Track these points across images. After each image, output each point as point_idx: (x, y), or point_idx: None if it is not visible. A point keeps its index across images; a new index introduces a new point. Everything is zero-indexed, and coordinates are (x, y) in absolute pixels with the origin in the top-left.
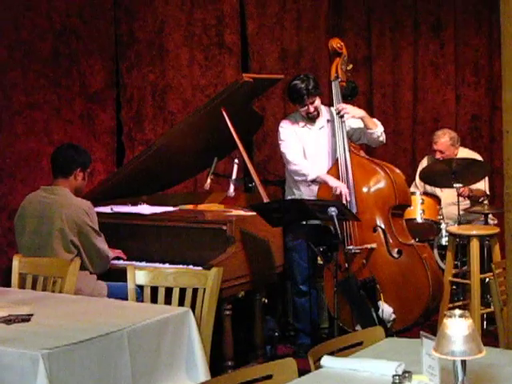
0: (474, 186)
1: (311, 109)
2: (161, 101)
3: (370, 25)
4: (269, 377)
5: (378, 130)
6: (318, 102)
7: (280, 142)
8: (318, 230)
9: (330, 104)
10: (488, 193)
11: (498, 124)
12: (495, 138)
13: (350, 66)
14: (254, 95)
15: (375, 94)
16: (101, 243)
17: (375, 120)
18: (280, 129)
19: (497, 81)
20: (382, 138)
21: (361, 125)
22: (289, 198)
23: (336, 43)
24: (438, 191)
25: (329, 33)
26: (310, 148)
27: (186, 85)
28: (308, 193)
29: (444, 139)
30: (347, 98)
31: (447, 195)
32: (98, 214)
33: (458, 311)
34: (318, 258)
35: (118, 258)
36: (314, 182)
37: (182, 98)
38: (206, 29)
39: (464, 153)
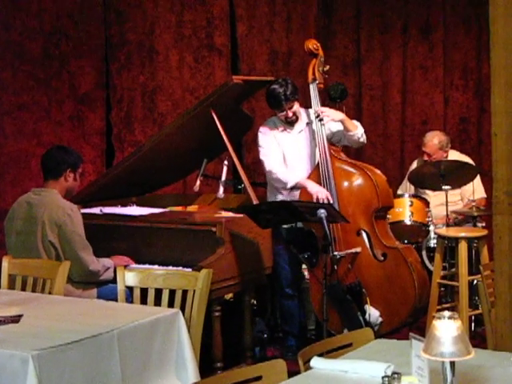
0: (477, 196)
1: (289, 114)
2: (150, 102)
3: (359, 27)
4: (258, 378)
5: (357, 131)
6: (296, 106)
7: (259, 148)
8: (300, 233)
9: (307, 106)
10: (485, 195)
11: (487, 127)
12: (483, 141)
13: (327, 67)
14: (244, 97)
15: (364, 96)
16: (85, 255)
17: (354, 121)
18: (259, 134)
19: (485, 83)
20: (363, 138)
21: (340, 127)
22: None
23: (312, 44)
24: (429, 192)
25: (318, 35)
26: (289, 152)
27: (175, 86)
28: (290, 198)
29: (432, 142)
30: (336, 100)
31: (438, 196)
32: (88, 215)
33: (447, 313)
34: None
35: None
36: (293, 188)
37: (172, 99)
38: (195, 30)
39: (454, 156)
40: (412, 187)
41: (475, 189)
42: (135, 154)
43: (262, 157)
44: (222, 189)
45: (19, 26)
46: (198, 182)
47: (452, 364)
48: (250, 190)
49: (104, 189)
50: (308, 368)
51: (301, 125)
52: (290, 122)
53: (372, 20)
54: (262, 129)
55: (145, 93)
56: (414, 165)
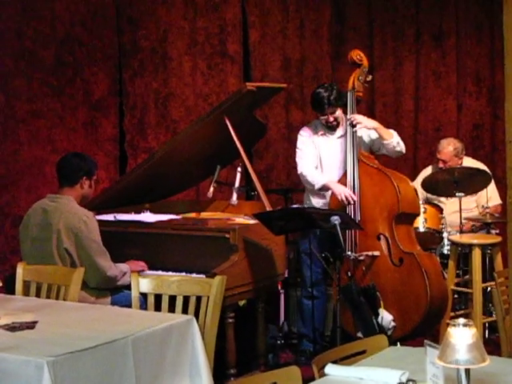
0: (491, 203)
1: (330, 119)
2: (163, 109)
3: (372, 34)
4: None
5: (393, 140)
6: (338, 112)
7: (297, 149)
8: (329, 236)
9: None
10: (501, 202)
11: (500, 133)
12: (497, 148)
13: (370, 77)
14: (258, 104)
15: (377, 102)
16: (102, 261)
17: (391, 130)
18: (299, 136)
19: (498, 90)
20: (399, 148)
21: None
22: (298, 206)
23: (356, 55)
24: (443, 199)
25: (331, 42)
26: (326, 157)
27: (188, 93)
28: (322, 200)
29: (447, 149)
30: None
31: (454, 203)
32: (101, 222)
33: (461, 320)
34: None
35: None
36: (322, 190)
37: (185, 106)
38: (208, 37)
39: (469, 162)
40: (425, 193)
41: (491, 195)
42: (148, 161)
43: (297, 158)
44: (235, 195)
45: (32, 34)
46: (212, 189)
47: (467, 371)
48: (264, 197)
49: (117, 196)
50: (322, 375)
51: (341, 131)
52: (331, 127)
53: (385, 27)
54: (302, 131)
55: (158, 99)
56: (429, 171)
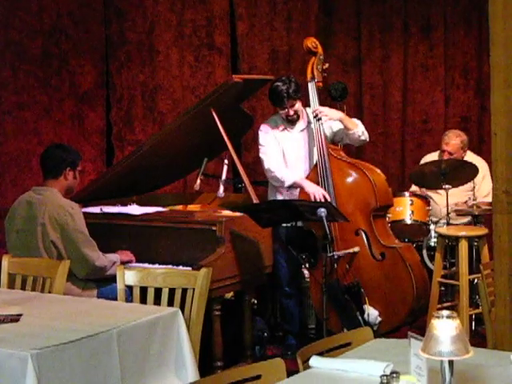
0: (488, 199)
1: (291, 112)
2: (151, 101)
3: (359, 26)
4: (257, 377)
5: (358, 129)
6: (298, 105)
7: (259, 146)
8: (299, 233)
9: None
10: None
11: (487, 126)
12: (484, 140)
13: (326, 65)
14: (244, 96)
15: (365, 95)
16: (90, 251)
17: (354, 120)
18: (260, 132)
19: (486, 82)
20: (364, 136)
21: (341, 126)
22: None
23: (310, 42)
24: (441, 191)
25: (319, 34)
26: (289, 152)
27: (176, 85)
28: (289, 197)
29: (455, 141)
30: (337, 99)
31: (452, 195)
32: (88, 214)
33: (445, 312)
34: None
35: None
36: (291, 187)
37: (172, 98)
38: (196, 30)
39: (469, 156)
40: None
41: (486, 189)
42: (135, 153)
43: (261, 155)
44: (222, 188)
45: (19, 25)
46: (199, 181)
47: (450, 363)
48: (250, 189)
49: (104, 188)
50: (307, 367)
51: (302, 124)
52: (291, 121)
53: (372, 19)
54: (262, 127)
55: (145, 92)
56: (435, 156)
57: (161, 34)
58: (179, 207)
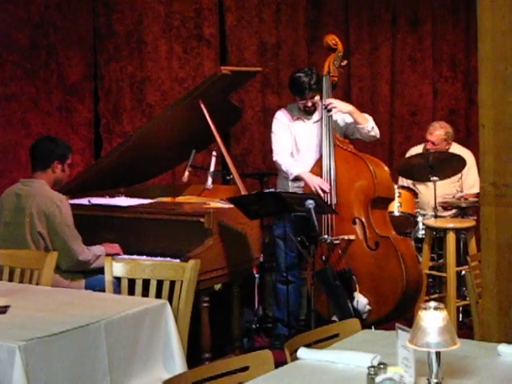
0: (474, 191)
1: (309, 104)
2: (139, 93)
3: (347, 19)
4: (245, 368)
5: (368, 124)
6: (317, 97)
7: (272, 134)
8: (303, 221)
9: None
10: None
11: (475, 118)
12: (472, 132)
13: (345, 62)
14: (233, 88)
15: (353, 87)
16: (75, 245)
17: (365, 115)
18: (274, 119)
19: (473, 75)
20: (374, 132)
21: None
22: (273, 190)
23: (331, 39)
24: (429, 184)
25: (307, 26)
26: (301, 141)
27: (164, 77)
28: (297, 186)
29: (439, 132)
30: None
31: (441, 187)
32: (76, 206)
33: (432, 303)
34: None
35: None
36: (296, 180)
37: (161, 90)
38: (184, 21)
39: (456, 148)
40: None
41: (474, 183)
42: (123, 145)
43: (272, 145)
44: (210, 180)
45: (7, 16)
46: (187, 173)
47: (438, 354)
48: (239, 181)
49: (92, 179)
50: (295, 358)
51: (317, 115)
52: (308, 112)
53: (361, 12)
54: (277, 115)
55: (133, 83)
56: (419, 149)
57: (149, 25)
58: (167, 199)
